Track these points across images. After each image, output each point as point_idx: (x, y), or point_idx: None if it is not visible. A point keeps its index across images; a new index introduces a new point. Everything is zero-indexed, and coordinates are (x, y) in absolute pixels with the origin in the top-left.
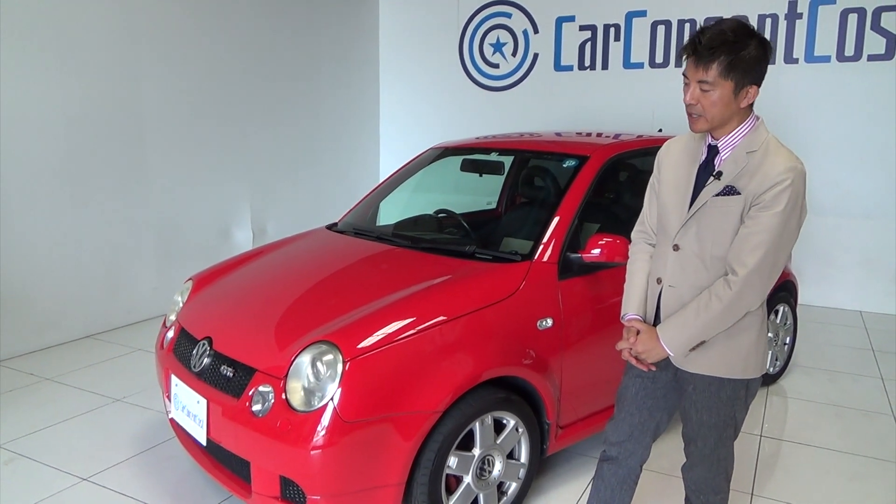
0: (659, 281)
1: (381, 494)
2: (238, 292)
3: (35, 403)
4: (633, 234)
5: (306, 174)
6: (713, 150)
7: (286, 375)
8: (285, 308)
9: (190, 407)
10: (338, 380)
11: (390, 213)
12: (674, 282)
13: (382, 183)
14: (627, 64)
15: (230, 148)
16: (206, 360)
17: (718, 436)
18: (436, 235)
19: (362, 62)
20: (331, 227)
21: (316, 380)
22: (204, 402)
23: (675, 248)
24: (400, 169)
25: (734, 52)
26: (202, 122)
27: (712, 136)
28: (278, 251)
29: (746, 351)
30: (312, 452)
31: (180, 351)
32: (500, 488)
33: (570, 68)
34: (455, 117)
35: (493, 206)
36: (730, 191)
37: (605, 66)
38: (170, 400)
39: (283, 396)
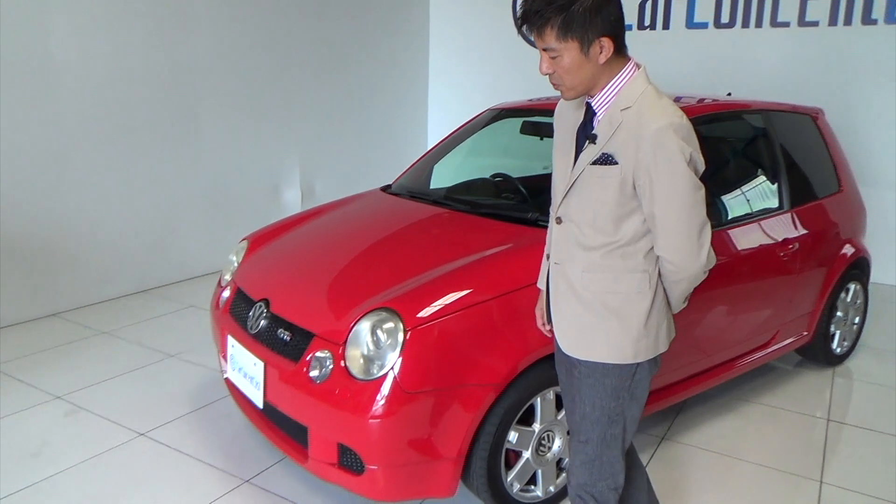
0: (548, 257)
1: (440, 467)
2: (295, 254)
3: (92, 356)
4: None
5: (354, 134)
6: (590, 110)
7: (345, 342)
8: (343, 271)
9: (247, 368)
10: (399, 349)
11: (444, 176)
12: (558, 258)
13: (438, 145)
14: (691, 23)
15: (280, 107)
16: (262, 323)
17: (602, 434)
18: (496, 201)
19: (412, 19)
20: (385, 188)
21: (376, 348)
22: (261, 364)
23: (558, 220)
24: (456, 130)
25: (564, 9)
26: (253, 81)
27: (589, 94)
28: (333, 213)
29: (637, 331)
30: (371, 421)
31: (237, 311)
32: (559, 465)
33: (629, 27)
34: (507, 77)
35: (550, 170)
36: (606, 159)
37: (666, 26)
38: (226, 360)
39: (343, 364)
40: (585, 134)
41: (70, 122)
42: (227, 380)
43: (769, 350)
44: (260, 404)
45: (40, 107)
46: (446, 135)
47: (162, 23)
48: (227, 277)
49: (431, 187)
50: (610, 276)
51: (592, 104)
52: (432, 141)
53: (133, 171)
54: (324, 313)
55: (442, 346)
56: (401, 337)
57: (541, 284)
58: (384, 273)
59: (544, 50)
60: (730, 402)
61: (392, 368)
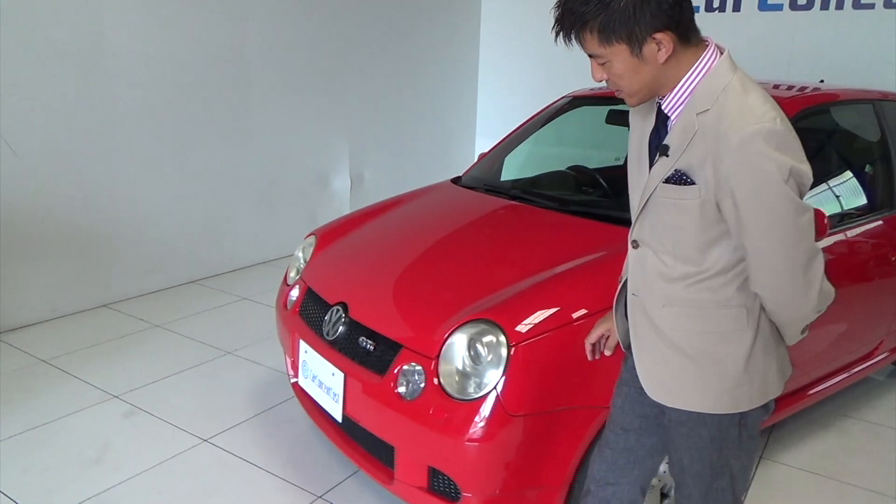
0: (625, 285)
1: (542, 495)
2: (370, 253)
3: (148, 352)
4: None
5: (402, 121)
6: (661, 114)
7: (438, 356)
8: (427, 274)
9: (323, 378)
10: (502, 366)
11: (516, 168)
12: (635, 288)
13: (510, 135)
14: (763, 5)
15: (329, 94)
16: (341, 329)
17: (706, 488)
18: (582, 197)
19: (462, 4)
20: (455, 181)
21: (474, 364)
22: (341, 375)
23: (634, 244)
24: (529, 119)
25: (602, 10)
26: (302, 69)
27: (659, 95)
28: (405, 207)
29: (734, 376)
30: (470, 446)
31: (309, 314)
32: (662, 493)
33: (696, 9)
34: (559, 62)
35: (622, 162)
36: (681, 178)
37: (736, 8)
38: (295, 365)
39: (436, 381)
40: (657, 144)
41: (121, 109)
42: (295, 385)
43: (871, 362)
44: (339, 418)
45: (92, 92)
46: (519, 124)
47: (214, 7)
48: (294, 275)
49: (503, 179)
50: (697, 312)
51: (663, 106)
52: (481, 129)
53: (183, 159)
54: (411, 321)
55: (548, 363)
56: (504, 352)
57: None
58: (474, 277)
59: (590, 56)
60: (826, 418)
61: (495, 388)
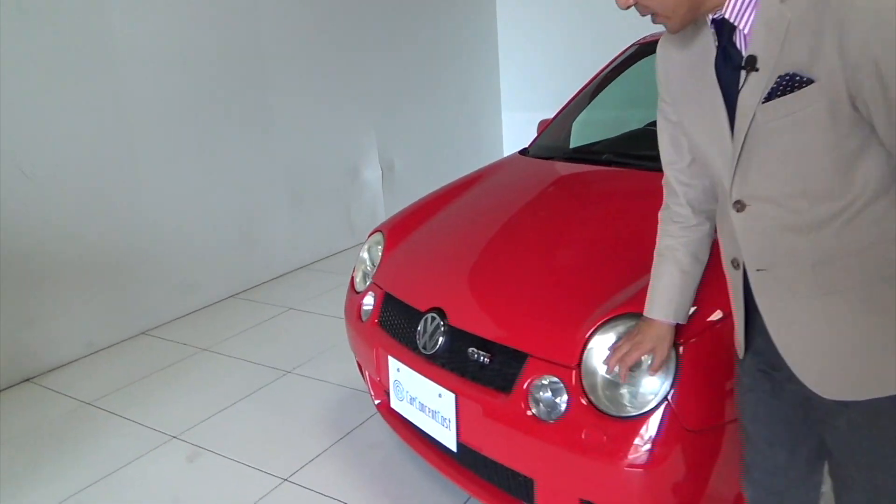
0: (737, 264)
1: None
2: (456, 245)
3: (198, 381)
4: (660, 211)
5: (427, 104)
6: (724, 29)
7: (579, 364)
8: (538, 264)
9: (426, 400)
10: (672, 371)
11: (582, 134)
12: (761, 262)
13: (575, 97)
14: None
15: (350, 83)
16: (441, 340)
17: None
18: None
19: None
20: (524, 153)
21: (629, 370)
22: (451, 396)
23: (738, 206)
24: (593, 79)
25: None
26: (321, 61)
27: (710, 11)
28: (479, 189)
29: None
30: (638, 472)
31: (393, 325)
32: None
33: None
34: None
35: None
36: (791, 82)
37: None
38: (383, 386)
39: (583, 395)
40: (733, 65)
41: (137, 118)
42: (381, 406)
43: None
44: (452, 447)
45: (105, 103)
46: (584, 84)
47: (225, 6)
48: (361, 279)
49: (574, 146)
50: (866, 258)
51: (727, 15)
52: (506, 102)
53: (207, 167)
54: (534, 324)
55: (715, 364)
56: (671, 353)
57: (668, 312)
58: (599, 263)
59: None
60: None
61: (667, 399)
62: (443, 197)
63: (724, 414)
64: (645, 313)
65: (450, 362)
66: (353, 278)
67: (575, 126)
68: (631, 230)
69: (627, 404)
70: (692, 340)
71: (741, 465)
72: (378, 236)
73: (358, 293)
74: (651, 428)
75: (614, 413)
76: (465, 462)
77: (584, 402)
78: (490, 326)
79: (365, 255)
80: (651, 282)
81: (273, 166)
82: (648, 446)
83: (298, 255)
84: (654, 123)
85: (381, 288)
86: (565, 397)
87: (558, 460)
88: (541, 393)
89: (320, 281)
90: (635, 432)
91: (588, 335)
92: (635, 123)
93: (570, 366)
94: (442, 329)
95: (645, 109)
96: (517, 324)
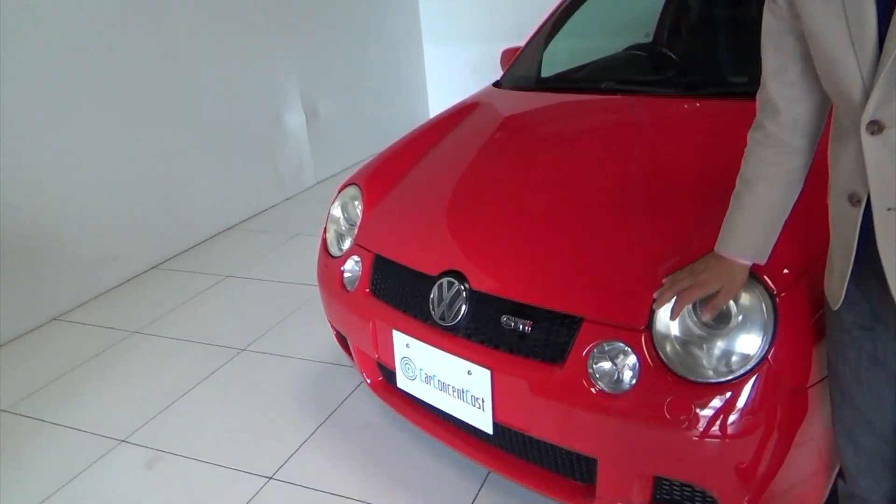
0: (856, 200)
1: (812, 482)
2: (460, 198)
3: (136, 370)
4: (750, 132)
5: (345, 41)
6: None
7: (649, 325)
8: (571, 214)
9: (448, 379)
10: (769, 325)
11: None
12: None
13: (544, 23)
14: None
15: (265, 23)
16: (464, 309)
17: None
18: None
19: None
20: (498, 84)
21: (710, 328)
22: (484, 373)
23: (874, 128)
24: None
25: None
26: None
27: None
28: (466, 129)
29: None
30: (737, 443)
31: (392, 292)
32: None
33: None
34: None
35: (651, 38)
36: None
37: None
38: (384, 363)
39: (660, 358)
40: None
41: (19, 75)
42: (375, 385)
43: None
44: (488, 429)
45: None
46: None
47: None
48: (334, 240)
49: (547, 75)
50: None
51: None
52: (427, 37)
53: (112, 129)
54: (586, 282)
55: (815, 312)
56: (765, 305)
57: (749, 250)
58: (650, 205)
59: None
60: None
61: (767, 358)
62: (420, 141)
63: (819, 370)
64: (717, 249)
65: (477, 333)
66: (323, 240)
67: (546, 55)
68: (682, 164)
69: (711, 368)
70: (787, 291)
71: (837, 428)
72: (352, 190)
73: (335, 257)
74: (750, 391)
75: (697, 378)
76: (502, 444)
77: (658, 368)
78: (526, 288)
79: (337, 212)
80: (729, 213)
81: (188, 118)
82: (747, 413)
83: (224, 214)
84: (635, 47)
85: (367, 250)
86: (634, 364)
87: (629, 436)
88: (603, 361)
89: (254, 242)
90: (730, 398)
91: (655, 293)
92: (609, 50)
93: (638, 327)
94: (464, 295)
95: (618, 37)
96: (563, 283)
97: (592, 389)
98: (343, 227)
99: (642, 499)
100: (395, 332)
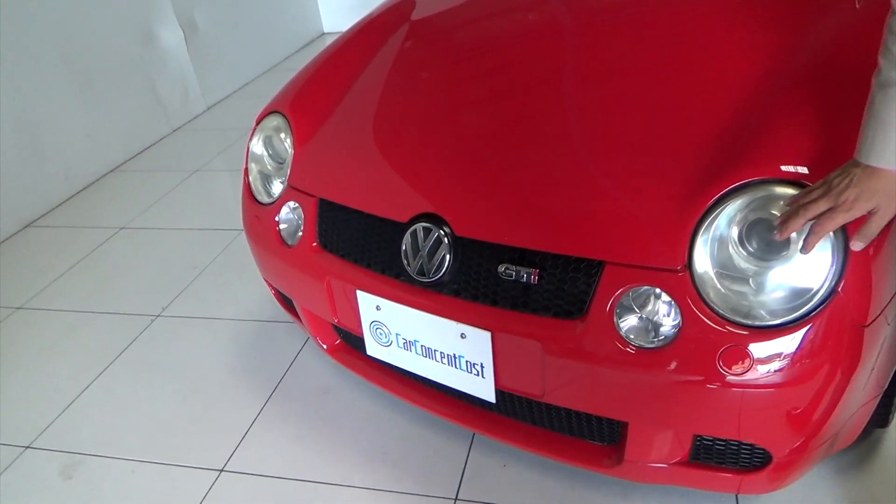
0: None
1: (859, 414)
2: (424, 122)
3: (27, 355)
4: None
5: None
6: None
7: (688, 264)
8: (573, 132)
9: (435, 343)
10: (840, 248)
11: None
12: None
13: None
14: None
15: None
16: (448, 260)
17: None
18: None
19: None
20: None
21: (761, 259)
22: (482, 336)
23: None
24: None
25: None
26: None
27: None
28: (405, 33)
29: None
30: (800, 392)
31: (348, 244)
32: None
33: None
34: None
35: None
36: None
37: None
38: (347, 327)
39: (703, 301)
40: None
41: None
42: (333, 349)
43: None
44: (489, 397)
45: None
46: None
47: None
48: (260, 183)
49: None
50: None
51: None
52: None
53: None
54: (603, 218)
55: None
56: (831, 235)
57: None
58: (676, 115)
59: None
60: None
61: (838, 290)
62: (349, 54)
63: (886, 297)
64: (864, 159)
65: (468, 289)
66: (246, 184)
67: None
68: (713, 51)
69: (767, 309)
70: None
71: None
72: (275, 119)
73: (264, 205)
74: (815, 333)
75: (751, 321)
76: (504, 410)
77: (703, 314)
78: (527, 230)
79: (259, 148)
80: (879, 117)
81: (43, 45)
82: (810, 357)
83: (103, 155)
84: None
85: (306, 194)
86: (672, 312)
87: (668, 396)
88: (632, 313)
89: (145, 185)
90: (792, 342)
91: (697, 221)
92: None
93: (675, 268)
94: (446, 243)
95: None
96: (574, 220)
97: (622, 345)
98: (269, 167)
99: (678, 458)
100: (360, 294)
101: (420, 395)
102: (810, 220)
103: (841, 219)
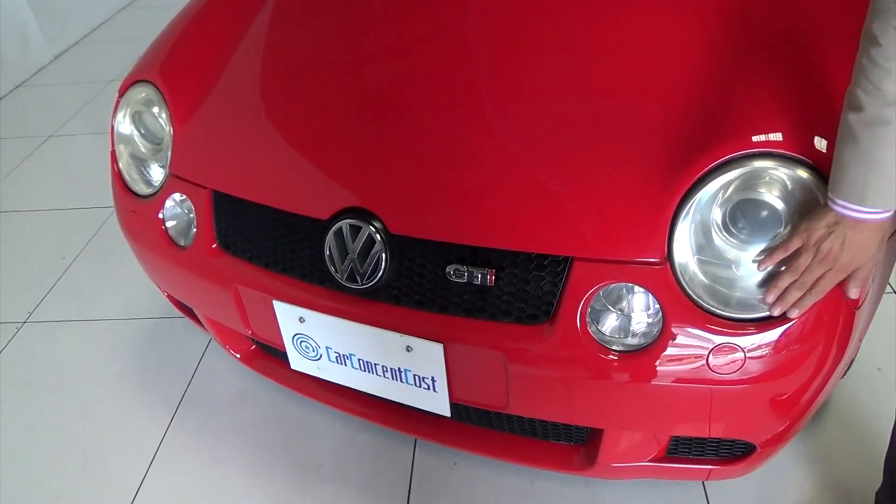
0: None
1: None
2: (332, 94)
3: None
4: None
5: None
6: None
7: (668, 255)
8: (519, 108)
9: (375, 357)
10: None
11: None
12: None
13: None
14: None
15: None
16: (384, 262)
17: None
18: None
19: None
20: None
21: (746, 243)
22: (431, 347)
23: None
24: None
25: None
26: None
27: None
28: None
29: None
30: (791, 382)
31: (255, 245)
32: None
33: None
34: None
35: None
36: None
37: None
38: (272, 342)
39: (688, 296)
40: None
41: None
42: (246, 358)
43: None
44: (444, 412)
45: None
46: None
47: None
48: (132, 169)
49: None
50: None
51: None
52: None
53: None
54: (567, 207)
55: None
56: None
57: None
58: (641, 85)
59: None
60: None
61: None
62: (227, 6)
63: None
64: (860, 202)
65: (411, 294)
66: (115, 171)
67: None
68: (673, 31)
69: (758, 298)
70: None
71: None
72: (144, 90)
73: (142, 197)
74: (813, 320)
75: (741, 314)
76: (460, 417)
77: (688, 311)
78: (478, 225)
79: (127, 126)
80: (870, 157)
81: None
82: (806, 345)
83: None
84: None
85: (195, 185)
86: (653, 311)
87: (651, 401)
88: (607, 313)
89: None
90: (787, 332)
91: (676, 206)
92: None
93: (654, 261)
94: (380, 242)
95: None
96: (533, 211)
97: (597, 350)
98: (143, 149)
99: (653, 455)
100: (277, 304)
101: (357, 405)
102: (806, 289)
103: (840, 278)
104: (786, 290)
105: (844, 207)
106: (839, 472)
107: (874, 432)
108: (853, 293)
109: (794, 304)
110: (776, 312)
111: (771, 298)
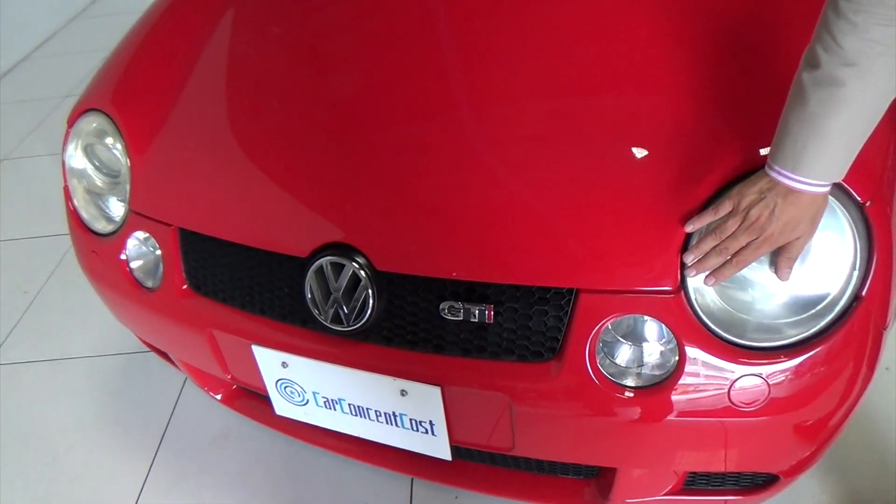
0: None
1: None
2: (306, 118)
3: None
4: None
5: None
6: None
7: (681, 285)
8: (509, 124)
9: (366, 402)
10: (864, 247)
11: None
12: None
13: None
14: None
15: None
16: (372, 302)
17: None
18: None
19: None
20: None
21: (767, 264)
22: (428, 391)
23: None
24: None
25: None
26: None
27: None
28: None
29: None
30: (818, 410)
31: (228, 284)
32: None
33: None
34: None
35: None
36: None
37: None
38: (254, 386)
39: (705, 327)
40: None
41: None
42: (227, 399)
43: None
44: (444, 455)
45: None
46: None
47: None
48: (90, 206)
49: None
50: None
51: None
52: None
53: None
54: (569, 235)
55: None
56: (851, 223)
57: (823, 174)
58: (652, 100)
59: None
60: None
61: (861, 294)
62: (190, 17)
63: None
64: (792, 169)
65: (403, 334)
66: (71, 209)
67: None
68: (675, 45)
69: (780, 324)
70: (878, 190)
71: None
72: (95, 120)
73: (102, 235)
74: (839, 346)
75: (761, 343)
76: (462, 457)
77: (707, 342)
78: (474, 258)
79: (80, 160)
80: (815, 121)
81: None
82: (833, 375)
83: None
84: None
85: (159, 222)
86: (668, 344)
87: (668, 439)
88: (618, 347)
89: None
90: (814, 359)
91: (688, 233)
92: None
93: (667, 291)
94: (366, 279)
95: None
96: (534, 241)
97: (609, 388)
98: (99, 183)
99: (669, 489)
100: (256, 349)
101: (351, 445)
102: (726, 257)
103: (764, 251)
104: (707, 253)
105: (778, 172)
106: (856, 481)
107: (890, 436)
108: (784, 274)
109: (712, 273)
110: (691, 274)
111: (690, 259)
